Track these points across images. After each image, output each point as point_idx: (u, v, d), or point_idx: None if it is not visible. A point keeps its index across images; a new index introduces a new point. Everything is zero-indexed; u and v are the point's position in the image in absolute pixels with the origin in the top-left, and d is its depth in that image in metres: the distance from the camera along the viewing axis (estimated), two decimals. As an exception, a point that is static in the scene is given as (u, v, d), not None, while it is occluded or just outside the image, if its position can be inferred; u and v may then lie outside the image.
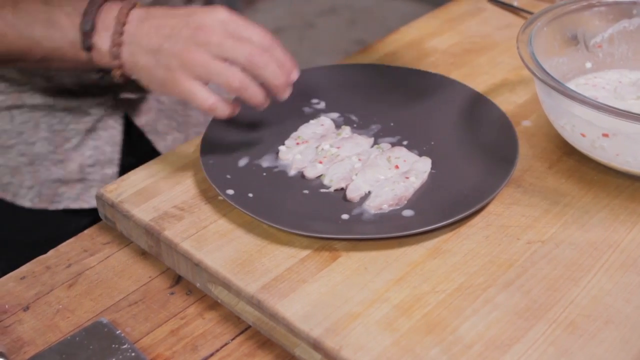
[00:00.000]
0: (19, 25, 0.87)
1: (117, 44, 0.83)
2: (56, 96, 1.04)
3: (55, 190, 1.06)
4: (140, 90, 1.07)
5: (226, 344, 0.73)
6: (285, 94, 0.83)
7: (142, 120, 1.10)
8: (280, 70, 0.81)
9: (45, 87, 1.03)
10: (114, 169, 1.09)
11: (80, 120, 1.05)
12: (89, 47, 0.85)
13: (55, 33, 0.86)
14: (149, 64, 0.82)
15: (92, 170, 1.07)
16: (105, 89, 1.05)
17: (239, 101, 0.84)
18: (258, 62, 0.80)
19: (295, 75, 0.83)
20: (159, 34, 0.81)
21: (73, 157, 1.06)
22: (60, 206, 1.07)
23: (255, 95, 0.82)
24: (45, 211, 1.07)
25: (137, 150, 1.11)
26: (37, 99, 1.03)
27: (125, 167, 1.07)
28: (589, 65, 0.97)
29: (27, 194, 1.06)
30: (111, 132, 1.08)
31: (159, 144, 1.12)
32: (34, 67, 0.97)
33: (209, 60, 0.79)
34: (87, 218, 1.06)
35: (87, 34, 0.84)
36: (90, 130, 1.06)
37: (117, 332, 0.73)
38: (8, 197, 1.06)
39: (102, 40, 0.84)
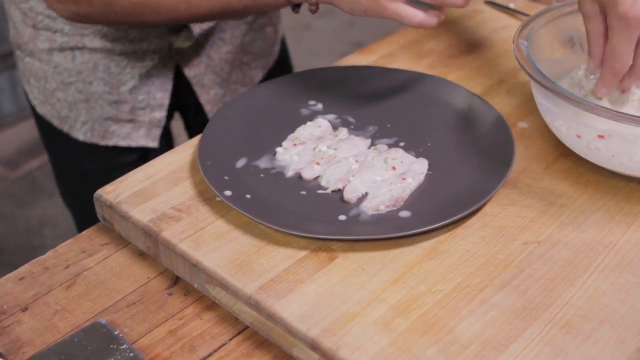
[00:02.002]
0: None
1: None
2: (114, 42, 1.11)
3: (107, 127, 1.16)
4: (190, 39, 1.14)
5: (224, 345, 0.74)
6: None
7: (191, 72, 1.18)
8: None
9: (105, 33, 1.10)
10: (162, 113, 1.19)
11: (136, 65, 1.13)
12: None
13: None
14: None
15: (142, 113, 1.16)
16: (160, 37, 1.12)
17: (440, 9, 0.88)
18: None
19: None
20: None
21: (126, 99, 1.14)
22: (110, 142, 1.17)
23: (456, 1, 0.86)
24: (96, 146, 1.17)
25: (183, 99, 1.23)
26: (96, 42, 1.10)
27: (170, 112, 1.23)
28: (584, 67, 0.97)
29: (81, 128, 1.16)
30: (163, 79, 1.16)
31: (203, 97, 1.22)
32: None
33: None
34: (132, 155, 1.18)
35: None
36: (145, 76, 1.14)
37: (116, 333, 0.74)
38: (65, 129, 1.17)
39: None
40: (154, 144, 1.20)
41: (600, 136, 0.81)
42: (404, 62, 1.07)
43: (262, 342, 0.74)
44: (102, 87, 1.13)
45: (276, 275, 0.74)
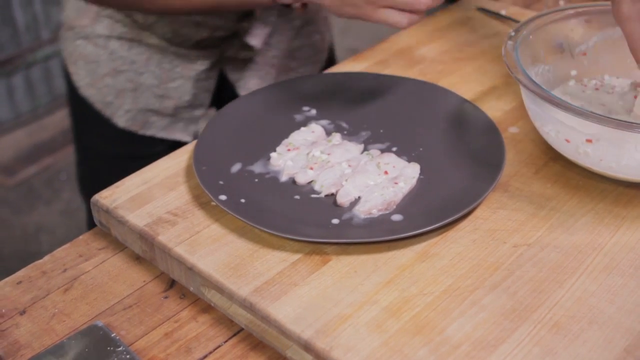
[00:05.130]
0: None
1: None
2: (170, 43, 1.15)
3: (147, 118, 1.20)
4: (246, 50, 1.19)
5: (219, 346, 0.75)
6: None
7: (235, 76, 1.22)
8: None
9: (163, 33, 1.14)
10: (202, 111, 1.24)
11: (187, 67, 1.17)
12: None
13: None
14: (335, 2, 0.91)
15: (183, 110, 1.21)
16: (214, 46, 1.17)
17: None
18: None
19: None
20: None
21: (172, 95, 1.19)
22: (148, 132, 1.21)
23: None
24: (134, 134, 1.21)
25: (224, 99, 1.23)
26: (153, 39, 1.15)
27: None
28: (574, 72, 0.98)
29: (123, 115, 1.20)
30: (210, 81, 1.20)
31: None
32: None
33: None
34: (163, 146, 1.22)
35: None
36: (193, 78, 1.18)
37: (113, 335, 0.75)
38: (107, 114, 1.21)
39: None
40: (188, 138, 1.24)
41: (589, 140, 0.83)
42: (396, 69, 1.09)
43: (256, 343, 0.75)
44: (151, 80, 1.17)
45: (270, 278, 0.75)
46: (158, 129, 1.21)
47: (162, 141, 1.24)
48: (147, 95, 1.18)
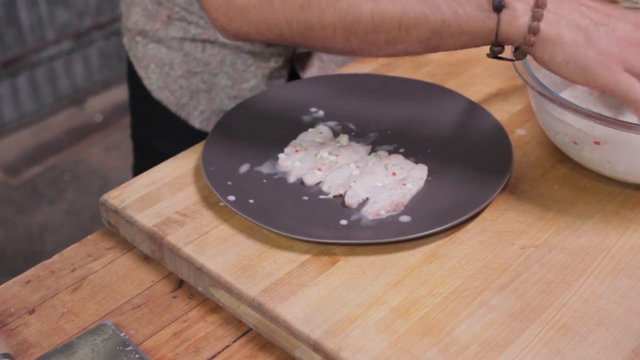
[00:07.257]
0: None
1: (536, 18, 0.75)
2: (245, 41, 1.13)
3: None
4: None
5: (228, 346, 0.75)
6: None
7: (305, 73, 1.21)
8: None
9: None
10: None
11: (260, 65, 1.17)
12: (497, 21, 0.75)
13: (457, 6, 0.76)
14: (578, 40, 0.75)
15: None
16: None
17: None
18: None
19: None
20: (590, 16, 0.76)
21: (246, 95, 1.18)
22: None
23: None
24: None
25: None
26: None
27: None
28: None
29: (198, 116, 1.20)
30: (281, 80, 1.20)
31: None
32: (411, 48, 0.81)
33: None
34: None
35: (499, 5, 0.75)
36: (266, 76, 1.18)
37: (122, 335, 0.75)
38: (182, 116, 1.21)
39: (519, 7, 0.75)
40: None
41: (596, 143, 0.83)
42: (403, 70, 1.09)
43: (265, 343, 0.75)
44: (225, 81, 1.17)
45: (279, 278, 0.76)
46: None
47: None
48: (222, 97, 1.19)
